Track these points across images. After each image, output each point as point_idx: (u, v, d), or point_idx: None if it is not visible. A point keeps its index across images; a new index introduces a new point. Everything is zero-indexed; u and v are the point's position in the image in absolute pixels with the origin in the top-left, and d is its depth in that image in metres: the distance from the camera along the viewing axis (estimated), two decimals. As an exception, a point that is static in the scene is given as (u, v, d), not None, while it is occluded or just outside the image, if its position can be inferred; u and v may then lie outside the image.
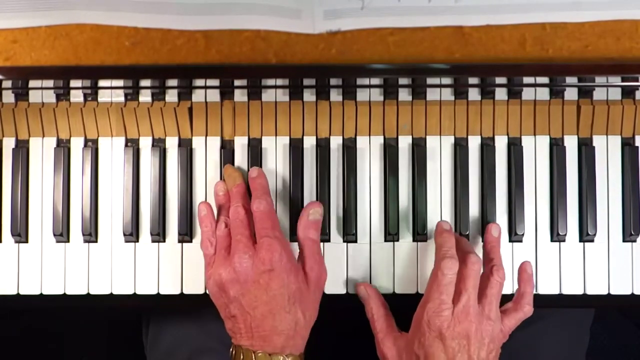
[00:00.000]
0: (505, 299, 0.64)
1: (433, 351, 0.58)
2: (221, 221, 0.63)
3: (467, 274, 0.60)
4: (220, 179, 0.66)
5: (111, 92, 0.66)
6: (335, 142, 0.67)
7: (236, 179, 0.65)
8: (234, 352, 0.60)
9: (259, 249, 0.60)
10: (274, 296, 0.59)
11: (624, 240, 0.66)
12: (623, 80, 0.65)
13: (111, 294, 0.66)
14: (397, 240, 0.66)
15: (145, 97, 0.66)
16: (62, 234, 0.66)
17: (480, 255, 0.64)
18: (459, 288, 0.60)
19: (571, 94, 0.66)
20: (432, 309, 0.59)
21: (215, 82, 0.66)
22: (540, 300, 0.66)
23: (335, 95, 0.67)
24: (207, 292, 0.63)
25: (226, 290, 0.60)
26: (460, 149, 0.66)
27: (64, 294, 0.66)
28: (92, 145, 0.67)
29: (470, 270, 0.60)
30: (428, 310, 0.59)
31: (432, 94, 0.66)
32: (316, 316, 0.63)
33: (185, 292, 0.66)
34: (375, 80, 0.66)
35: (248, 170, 0.66)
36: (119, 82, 0.66)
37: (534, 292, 0.65)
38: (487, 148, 0.66)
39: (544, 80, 0.65)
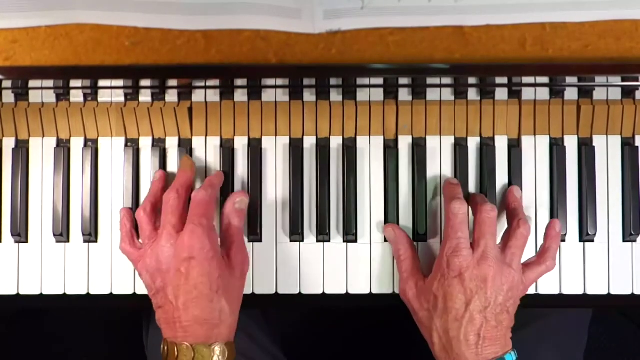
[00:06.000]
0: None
1: (452, 291, 0.59)
2: (141, 207, 0.63)
3: (482, 220, 0.61)
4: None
5: (111, 92, 0.66)
6: (335, 142, 0.67)
7: (186, 167, 0.65)
8: (163, 347, 0.59)
9: (181, 236, 0.59)
10: (196, 285, 0.58)
11: (624, 240, 0.66)
12: (623, 80, 0.65)
13: (111, 294, 0.66)
14: (397, 240, 0.66)
15: (145, 97, 0.66)
16: (62, 234, 0.66)
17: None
18: (477, 236, 0.61)
19: (571, 94, 0.66)
20: (450, 248, 0.60)
21: (215, 82, 0.66)
22: (540, 300, 0.66)
23: (335, 95, 0.67)
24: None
25: (154, 281, 0.60)
26: (460, 149, 0.66)
27: (64, 294, 0.66)
28: (92, 145, 0.67)
29: (485, 218, 0.61)
30: (447, 251, 0.60)
31: (432, 94, 0.66)
32: (240, 303, 0.62)
33: (185, 292, 0.66)
34: (375, 80, 0.66)
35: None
36: (119, 82, 0.66)
37: (535, 292, 0.65)
38: (487, 148, 0.66)
39: (544, 80, 0.65)
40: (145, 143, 0.67)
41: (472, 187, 0.66)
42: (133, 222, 0.65)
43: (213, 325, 0.58)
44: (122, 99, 0.66)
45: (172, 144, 0.67)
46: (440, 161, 0.67)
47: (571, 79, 0.65)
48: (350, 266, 0.66)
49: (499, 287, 0.59)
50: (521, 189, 0.66)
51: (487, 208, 0.61)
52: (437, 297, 0.60)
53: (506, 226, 0.66)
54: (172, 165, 0.67)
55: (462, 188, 0.65)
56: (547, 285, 0.66)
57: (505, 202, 0.66)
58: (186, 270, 0.58)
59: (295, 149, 0.66)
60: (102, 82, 0.66)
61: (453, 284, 0.59)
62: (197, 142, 0.67)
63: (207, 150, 0.67)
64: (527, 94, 0.66)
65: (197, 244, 0.59)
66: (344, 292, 0.66)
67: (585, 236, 0.66)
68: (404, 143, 0.67)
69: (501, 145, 0.67)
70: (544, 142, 0.67)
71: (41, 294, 0.66)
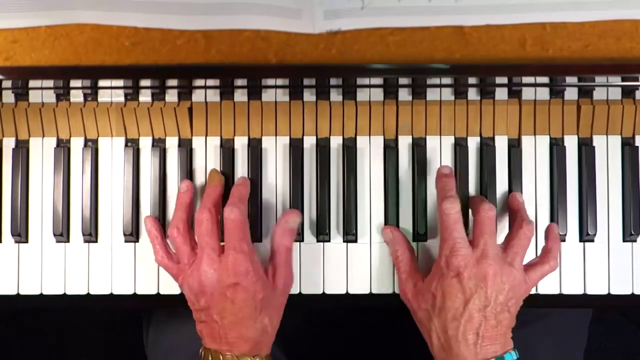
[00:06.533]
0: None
1: (450, 290, 0.58)
2: (173, 226, 0.63)
3: (481, 220, 0.60)
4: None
5: (111, 92, 0.66)
6: (335, 142, 0.67)
7: (215, 180, 0.65)
8: (202, 353, 0.61)
9: (225, 262, 0.60)
10: (241, 308, 0.59)
11: (624, 240, 0.66)
12: (623, 80, 0.65)
13: (111, 294, 0.66)
14: (397, 240, 0.66)
15: (145, 97, 0.66)
16: (62, 234, 0.66)
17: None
18: (476, 234, 0.60)
19: (571, 93, 0.66)
20: (447, 248, 0.59)
21: (215, 82, 0.66)
22: (541, 300, 0.66)
23: (335, 95, 0.67)
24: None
25: (198, 300, 0.61)
26: (460, 149, 0.66)
27: (64, 294, 0.66)
28: (92, 145, 0.67)
29: (484, 217, 0.60)
30: (445, 251, 0.60)
31: (432, 94, 0.66)
32: (280, 318, 0.63)
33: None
34: (375, 80, 0.66)
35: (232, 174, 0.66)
36: (119, 82, 0.66)
37: (535, 292, 0.65)
38: (487, 148, 0.66)
39: (544, 80, 0.65)
40: (145, 143, 0.67)
41: (472, 187, 0.66)
42: (162, 231, 0.65)
43: (257, 341, 0.60)
44: (122, 99, 0.66)
45: (172, 144, 0.67)
46: (440, 161, 0.67)
47: (571, 79, 0.65)
48: (350, 266, 0.66)
49: (500, 286, 0.58)
50: (521, 189, 0.66)
51: (486, 207, 0.61)
52: (435, 296, 0.59)
53: (506, 228, 0.66)
54: (172, 166, 0.67)
55: (462, 189, 0.65)
56: (547, 285, 0.66)
57: (508, 206, 0.66)
58: (232, 295, 0.59)
59: (295, 149, 0.66)
60: (102, 82, 0.66)
61: (452, 283, 0.58)
62: (197, 142, 0.67)
63: (207, 150, 0.67)
64: (527, 94, 0.66)
65: (241, 270, 0.59)
66: (344, 292, 0.66)
67: (585, 236, 0.66)
68: (404, 143, 0.67)
69: (501, 145, 0.67)
70: (544, 142, 0.67)
71: (41, 294, 0.66)
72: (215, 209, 0.62)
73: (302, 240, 0.66)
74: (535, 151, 0.67)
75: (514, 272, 0.59)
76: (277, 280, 0.63)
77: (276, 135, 0.67)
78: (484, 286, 0.58)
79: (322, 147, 0.67)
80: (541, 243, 0.66)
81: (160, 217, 0.66)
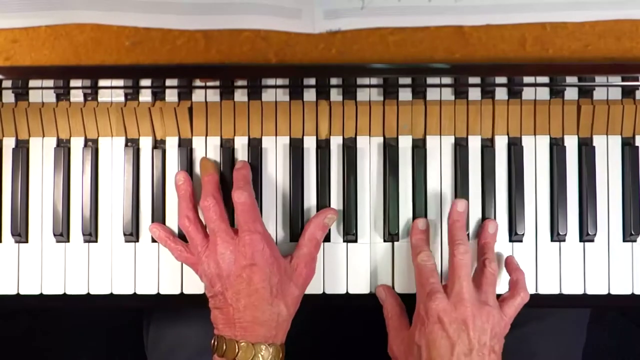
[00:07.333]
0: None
1: (434, 337, 0.58)
2: (183, 216, 0.64)
3: (457, 264, 0.61)
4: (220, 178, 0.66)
5: (111, 92, 0.66)
6: (335, 142, 0.67)
7: (209, 169, 0.65)
8: (215, 342, 0.61)
9: (241, 244, 0.60)
10: (257, 289, 0.59)
11: (624, 240, 0.66)
12: (623, 80, 0.65)
13: (111, 294, 0.66)
14: (397, 240, 0.66)
15: (145, 97, 0.66)
16: (62, 234, 0.66)
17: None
18: (452, 278, 0.61)
19: (571, 93, 0.66)
20: (424, 294, 0.60)
21: (215, 82, 0.66)
22: (541, 300, 0.66)
23: (335, 95, 0.67)
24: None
25: (213, 285, 0.61)
26: (460, 149, 0.66)
27: (64, 294, 0.66)
28: (92, 145, 0.67)
29: (459, 261, 0.61)
30: (422, 297, 0.60)
31: (432, 94, 0.66)
32: (296, 310, 0.63)
33: (185, 292, 0.66)
34: (375, 80, 0.66)
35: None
36: (119, 82, 0.66)
37: (535, 292, 0.65)
38: (487, 148, 0.66)
39: (544, 80, 0.65)
40: (146, 143, 0.67)
41: (472, 187, 0.66)
42: (169, 230, 0.66)
43: (271, 327, 0.60)
44: (122, 98, 0.66)
45: (172, 144, 0.67)
46: (440, 161, 0.67)
47: (571, 79, 0.65)
48: (350, 266, 0.66)
49: (481, 327, 0.58)
50: (521, 189, 0.66)
51: (461, 250, 0.61)
52: (420, 347, 0.59)
53: (504, 225, 0.66)
54: (172, 165, 0.67)
55: (462, 189, 0.65)
56: (547, 285, 0.66)
57: (479, 233, 0.66)
58: (248, 275, 0.59)
59: (296, 149, 0.66)
60: (102, 82, 0.66)
61: (434, 330, 0.58)
62: (198, 142, 0.67)
63: (207, 150, 0.67)
64: (527, 93, 0.66)
65: (257, 250, 0.60)
66: (344, 292, 0.66)
67: (585, 236, 0.66)
68: (404, 143, 0.67)
69: (501, 145, 0.67)
70: (544, 142, 0.67)
71: (41, 294, 0.66)
72: (217, 194, 0.63)
73: (302, 240, 0.66)
74: (535, 151, 0.67)
75: (491, 311, 0.60)
76: (299, 268, 0.63)
77: (276, 135, 0.67)
78: (466, 329, 0.58)
79: (322, 147, 0.67)
80: (542, 246, 0.66)
81: (161, 217, 0.66)
